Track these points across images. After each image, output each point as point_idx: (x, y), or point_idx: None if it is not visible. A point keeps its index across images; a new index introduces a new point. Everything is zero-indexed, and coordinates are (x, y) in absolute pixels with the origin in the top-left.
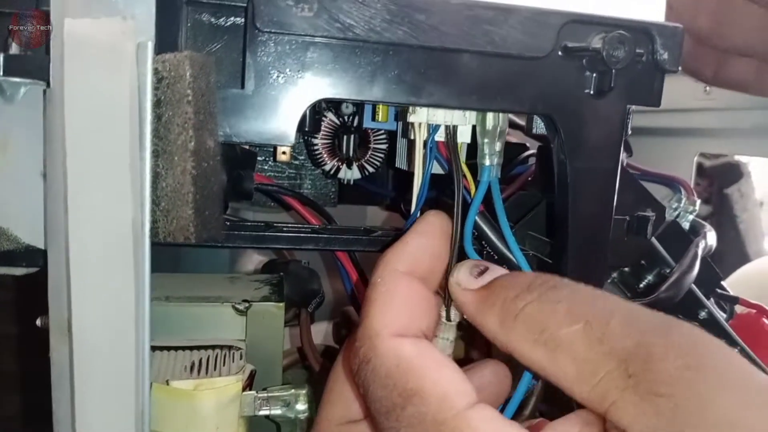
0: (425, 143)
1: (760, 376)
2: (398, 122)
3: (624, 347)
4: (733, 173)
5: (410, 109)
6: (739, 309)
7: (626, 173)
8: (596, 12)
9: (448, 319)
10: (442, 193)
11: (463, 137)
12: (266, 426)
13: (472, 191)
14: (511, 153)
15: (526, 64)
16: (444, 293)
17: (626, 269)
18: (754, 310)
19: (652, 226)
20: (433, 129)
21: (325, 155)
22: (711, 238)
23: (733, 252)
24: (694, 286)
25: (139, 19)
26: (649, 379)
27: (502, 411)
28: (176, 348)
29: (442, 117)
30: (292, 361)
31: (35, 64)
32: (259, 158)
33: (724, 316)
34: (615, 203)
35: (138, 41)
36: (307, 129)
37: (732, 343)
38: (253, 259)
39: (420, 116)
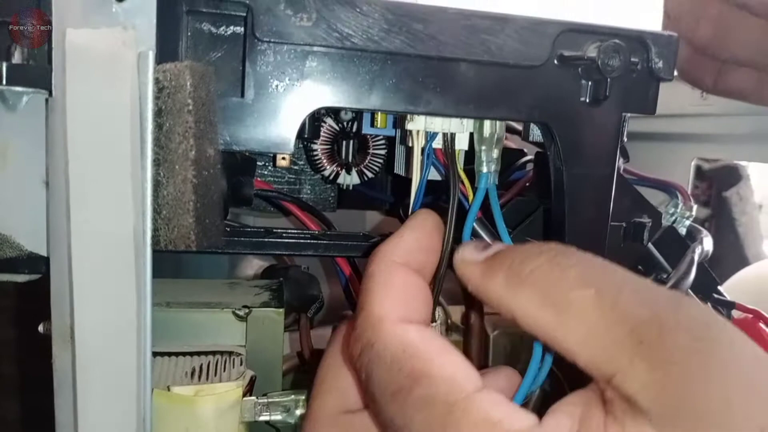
0: (423, 150)
1: (762, 355)
2: (396, 129)
3: (636, 315)
4: (732, 176)
5: (408, 116)
6: (735, 314)
7: (623, 180)
8: (592, 21)
9: (433, 319)
10: (438, 199)
11: (461, 144)
12: (267, 431)
13: (470, 198)
14: (509, 159)
15: (523, 73)
16: (433, 291)
17: None
18: (751, 315)
19: (648, 232)
20: (430, 136)
21: (324, 161)
22: (707, 243)
23: (731, 255)
24: (690, 292)
25: (139, 29)
26: (661, 347)
27: None
28: (177, 354)
29: (440, 125)
30: (292, 366)
31: (37, 73)
32: (258, 163)
33: None
34: (611, 209)
35: (139, 51)
36: (306, 135)
37: None
38: (253, 264)
39: (418, 124)
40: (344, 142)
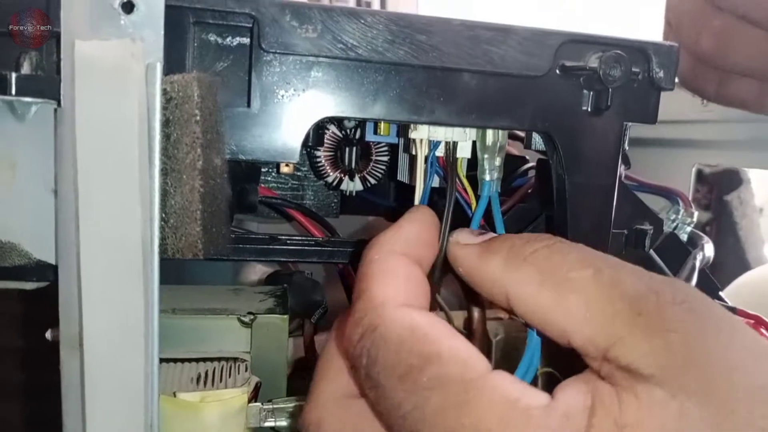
0: (426, 158)
1: (750, 328)
2: (400, 137)
3: (635, 290)
4: (733, 180)
5: (412, 125)
6: None
7: (624, 187)
8: (593, 31)
9: None
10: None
11: (464, 152)
12: None
13: (473, 205)
14: (511, 166)
15: (525, 83)
16: (432, 293)
17: None
18: (752, 321)
19: (650, 238)
20: (434, 145)
21: (327, 167)
22: (709, 249)
23: (733, 258)
24: None
25: (147, 40)
26: (659, 317)
27: None
28: (182, 360)
29: (443, 133)
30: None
31: (46, 84)
32: (262, 170)
33: None
34: (613, 217)
35: (147, 62)
36: (310, 144)
37: None
38: (257, 270)
39: (421, 133)
40: (347, 149)
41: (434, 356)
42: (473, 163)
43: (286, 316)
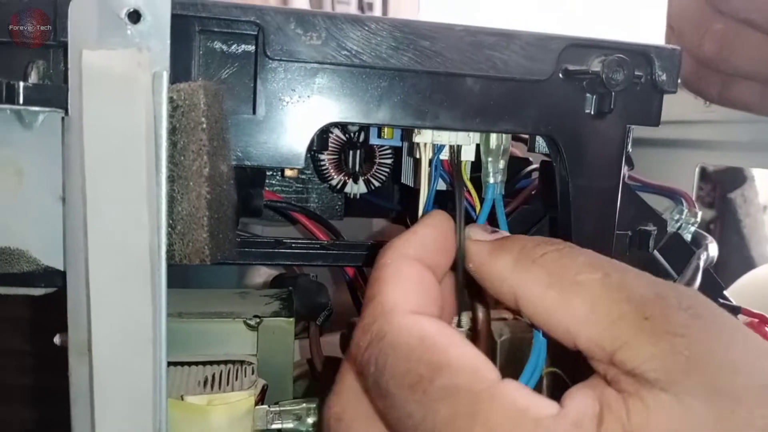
0: (431, 162)
1: (751, 331)
2: (404, 141)
3: (641, 294)
4: (737, 178)
5: (416, 130)
6: (741, 318)
7: (628, 188)
8: (594, 33)
9: (459, 325)
10: (445, 206)
11: (467, 155)
12: None
13: (477, 208)
14: (515, 167)
15: (528, 87)
16: (457, 297)
17: None
18: (756, 320)
19: (654, 239)
20: (438, 148)
21: (331, 170)
22: (713, 249)
23: (737, 257)
24: None
25: (154, 50)
26: (666, 321)
27: None
28: (189, 363)
29: (447, 137)
30: (302, 373)
31: (54, 92)
32: (267, 173)
33: None
34: (617, 219)
35: (153, 71)
36: (314, 148)
37: None
38: (262, 273)
39: (425, 137)
40: (351, 152)
41: (444, 366)
42: (477, 165)
43: (291, 319)
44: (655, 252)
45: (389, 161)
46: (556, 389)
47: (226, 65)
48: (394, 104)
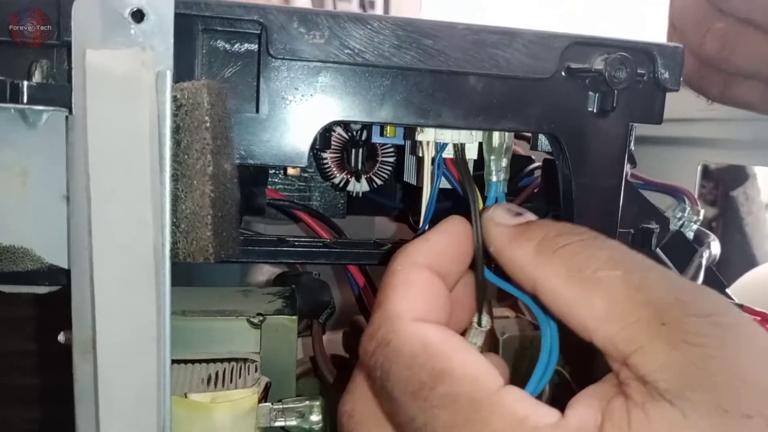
0: (433, 160)
1: None
2: (406, 139)
3: (661, 298)
4: (739, 176)
5: (418, 128)
6: None
7: (630, 186)
8: (596, 31)
9: (480, 324)
10: (453, 207)
11: (470, 154)
12: None
13: (480, 206)
14: (517, 165)
15: (531, 86)
16: (477, 297)
17: None
18: (758, 318)
19: (656, 237)
20: (440, 147)
21: (334, 169)
22: (715, 247)
23: (739, 255)
24: None
25: (157, 49)
26: (683, 329)
27: None
28: (193, 361)
29: (450, 136)
30: (305, 371)
31: (57, 92)
32: (269, 171)
33: None
34: (619, 217)
35: (157, 70)
36: (317, 147)
37: None
38: (265, 271)
39: (428, 135)
40: (354, 151)
41: (445, 373)
42: (479, 163)
43: (294, 317)
44: (658, 250)
45: (391, 159)
46: (558, 389)
47: (229, 64)
48: (397, 102)
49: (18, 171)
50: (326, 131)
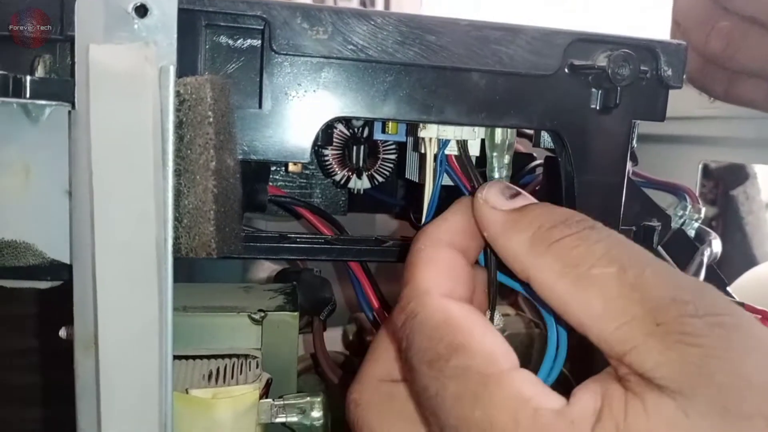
0: (436, 157)
1: None
2: (408, 136)
3: (657, 297)
4: (739, 175)
5: (421, 125)
6: None
7: (632, 184)
8: (601, 30)
9: (491, 321)
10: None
11: (473, 150)
12: None
13: None
14: (519, 163)
15: (534, 82)
16: (489, 295)
17: None
18: (759, 316)
19: (658, 235)
20: (443, 143)
21: (335, 166)
22: (716, 245)
23: (739, 254)
24: None
25: (160, 44)
26: (678, 330)
27: None
28: (194, 357)
29: (452, 132)
30: (306, 367)
31: (60, 86)
32: (271, 168)
33: None
34: (621, 214)
35: (160, 65)
36: (319, 143)
37: None
38: (266, 267)
39: (430, 132)
40: (355, 147)
41: (461, 347)
42: (482, 160)
43: (296, 313)
44: (659, 248)
45: (393, 156)
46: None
47: (232, 59)
48: (400, 99)
49: (20, 166)
50: (328, 128)
